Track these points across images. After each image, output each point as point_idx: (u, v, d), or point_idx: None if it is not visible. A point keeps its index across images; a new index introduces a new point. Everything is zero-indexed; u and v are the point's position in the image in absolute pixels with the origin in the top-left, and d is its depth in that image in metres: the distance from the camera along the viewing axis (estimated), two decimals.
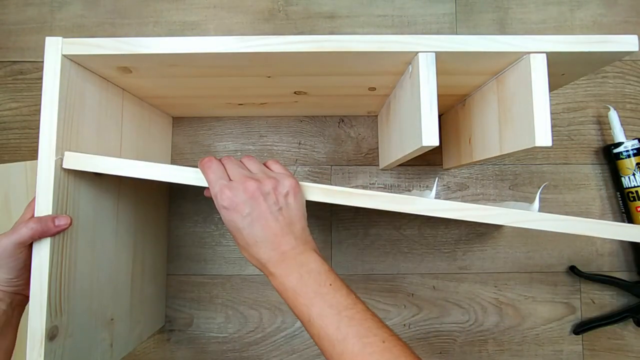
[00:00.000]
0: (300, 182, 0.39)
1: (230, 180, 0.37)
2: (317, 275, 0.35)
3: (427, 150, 0.41)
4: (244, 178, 0.37)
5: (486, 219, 0.38)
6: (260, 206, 0.36)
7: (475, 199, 0.67)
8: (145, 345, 0.65)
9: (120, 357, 0.52)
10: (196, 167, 0.40)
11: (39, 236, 0.38)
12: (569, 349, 0.65)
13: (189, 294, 0.66)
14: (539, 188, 0.67)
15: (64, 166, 0.40)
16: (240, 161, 0.40)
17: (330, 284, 0.34)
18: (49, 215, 0.38)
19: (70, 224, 0.40)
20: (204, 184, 0.39)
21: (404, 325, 0.66)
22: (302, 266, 0.35)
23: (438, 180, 0.45)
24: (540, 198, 0.42)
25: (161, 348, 0.66)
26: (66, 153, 0.40)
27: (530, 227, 0.39)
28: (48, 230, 0.38)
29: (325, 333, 0.32)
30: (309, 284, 0.34)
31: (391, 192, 0.68)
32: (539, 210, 0.41)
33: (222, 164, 0.39)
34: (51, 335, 0.39)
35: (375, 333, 0.31)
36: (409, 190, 0.68)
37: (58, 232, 0.39)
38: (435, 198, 0.41)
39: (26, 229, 0.37)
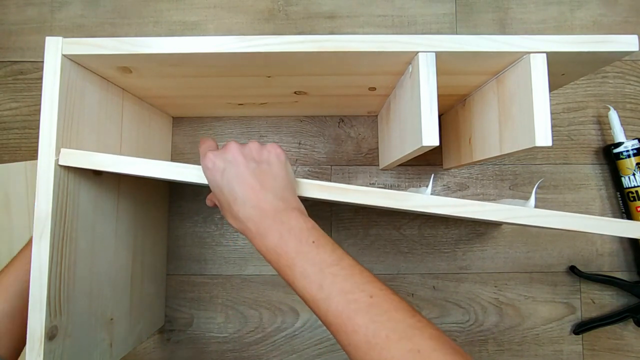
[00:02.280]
0: (296, 179, 0.40)
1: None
2: (299, 233, 0.33)
3: (427, 150, 0.41)
4: (231, 145, 0.37)
5: (481, 214, 0.38)
6: (239, 165, 0.36)
7: (475, 199, 0.67)
8: (145, 345, 0.65)
9: (120, 357, 0.52)
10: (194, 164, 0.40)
11: None
12: (569, 349, 0.65)
13: (189, 294, 0.66)
14: (538, 187, 0.67)
15: (60, 163, 0.40)
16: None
17: (313, 241, 0.33)
18: None
19: None
20: (203, 181, 0.39)
21: None
22: (282, 224, 0.34)
23: (434, 177, 0.45)
24: (536, 194, 0.42)
25: (161, 348, 0.66)
26: (62, 150, 0.40)
27: (525, 223, 0.39)
28: None
29: (309, 293, 0.31)
30: (289, 243, 0.33)
31: None
32: (535, 207, 0.40)
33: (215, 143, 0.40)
34: (50, 335, 0.39)
35: (363, 288, 0.30)
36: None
37: None
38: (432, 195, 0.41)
39: None
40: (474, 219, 0.39)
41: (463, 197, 0.67)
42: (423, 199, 0.39)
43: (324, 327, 0.65)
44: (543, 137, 0.38)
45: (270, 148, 0.38)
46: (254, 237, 0.35)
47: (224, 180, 0.36)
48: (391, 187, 0.67)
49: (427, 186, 0.44)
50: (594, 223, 0.39)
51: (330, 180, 0.67)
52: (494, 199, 0.67)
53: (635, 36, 0.38)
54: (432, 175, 0.45)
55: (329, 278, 0.31)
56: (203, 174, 0.39)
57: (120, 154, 0.51)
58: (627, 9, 0.69)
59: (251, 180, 0.36)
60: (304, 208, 0.37)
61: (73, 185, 0.42)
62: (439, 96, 0.39)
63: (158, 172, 0.40)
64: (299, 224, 0.34)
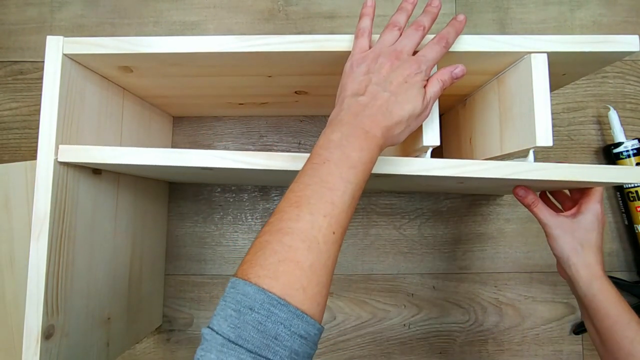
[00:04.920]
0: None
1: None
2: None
3: (428, 150, 0.41)
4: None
5: (483, 173, 0.38)
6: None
7: (475, 199, 0.67)
8: (145, 345, 0.65)
9: (117, 356, 0.52)
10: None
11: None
12: (569, 349, 0.65)
13: (189, 294, 0.66)
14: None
15: (60, 159, 0.40)
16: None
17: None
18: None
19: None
20: (202, 164, 0.39)
21: (404, 325, 0.66)
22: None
23: None
24: (534, 151, 0.41)
25: (161, 348, 0.65)
26: (61, 146, 0.40)
27: (526, 178, 0.38)
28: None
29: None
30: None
31: (391, 192, 0.68)
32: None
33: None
34: (47, 334, 0.39)
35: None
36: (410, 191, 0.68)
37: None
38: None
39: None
40: (476, 178, 0.39)
41: (463, 197, 0.67)
42: (424, 163, 0.38)
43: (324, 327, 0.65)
44: (544, 137, 0.38)
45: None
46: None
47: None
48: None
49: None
50: (599, 172, 0.38)
51: None
52: (494, 199, 0.67)
53: (636, 36, 0.38)
54: None
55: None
56: (205, 158, 0.39)
57: None
58: (627, 9, 0.69)
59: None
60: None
61: (72, 184, 0.42)
62: (439, 96, 0.39)
63: (159, 160, 0.39)
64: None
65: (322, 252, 0.28)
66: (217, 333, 0.26)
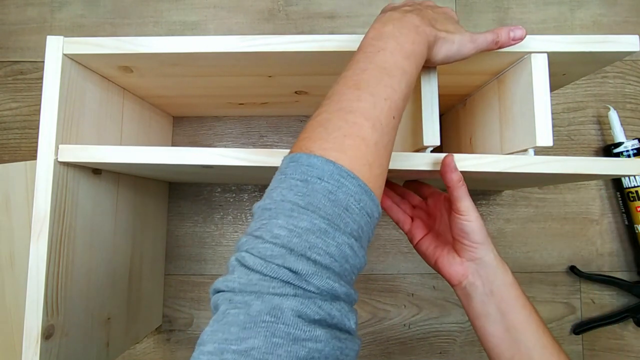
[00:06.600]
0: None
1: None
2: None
3: (428, 150, 0.41)
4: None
5: (484, 167, 0.38)
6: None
7: (475, 199, 0.67)
8: (145, 345, 0.65)
9: (116, 357, 0.52)
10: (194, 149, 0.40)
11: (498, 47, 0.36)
12: (569, 349, 0.65)
13: (189, 293, 0.66)
14: (538, 187, 0.67)
15: (60, 159, 0.40)
16: None
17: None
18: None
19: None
20: (202, 162, 0.39)
21: (404, 325, 0.66)
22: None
23: None
24: (534, 151, 0.41)
25: (161, 348, 0.65)
26: (61, 146, 0.40)
27: (526, 171, 0.38)
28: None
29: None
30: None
31: None
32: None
33: None
34: (47, 334, 0.39)
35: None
36: None
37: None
38: None
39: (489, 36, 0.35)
40: (476, 172, 0.39)
41: None
42: (423, 157, 0.38)
43: None
44: (544, 137, 0.38)
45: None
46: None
47: None
48: None
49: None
50: (598, 164, 0.38)
51: None
52: (494, 199, 0.67)
53: (636, 36, 0.38)
54: None
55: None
56: (205, 156, 0.39)
57: None
58: (627, 9, 0.69)
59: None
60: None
61: (72, 184, 0.42)
62: (439, 96, 0.39)
63: (159, 158, 0.39)
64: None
65: (385, 134, 0.27)
66: (282, 201, 0.23)
